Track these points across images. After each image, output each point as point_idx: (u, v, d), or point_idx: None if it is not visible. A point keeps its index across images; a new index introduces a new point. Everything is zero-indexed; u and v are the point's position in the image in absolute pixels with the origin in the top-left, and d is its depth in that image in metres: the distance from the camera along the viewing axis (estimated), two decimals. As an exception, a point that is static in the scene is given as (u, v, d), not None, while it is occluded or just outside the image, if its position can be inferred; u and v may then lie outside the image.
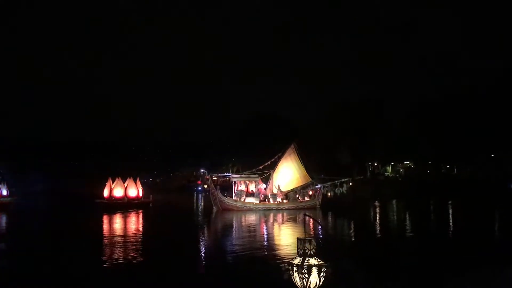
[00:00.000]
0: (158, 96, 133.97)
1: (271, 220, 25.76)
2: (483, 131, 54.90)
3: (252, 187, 33.33)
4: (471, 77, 65.74)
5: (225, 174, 43.55)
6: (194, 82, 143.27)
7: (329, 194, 33.64)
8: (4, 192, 34.95)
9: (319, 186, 32.89)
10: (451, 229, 21.11)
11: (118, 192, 33.81)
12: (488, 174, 51.08)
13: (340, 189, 34.35)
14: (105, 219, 26.15)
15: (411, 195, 42.64)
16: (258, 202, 31.04)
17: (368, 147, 62.80)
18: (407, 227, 22.39)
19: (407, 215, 28.98)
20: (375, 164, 71.79)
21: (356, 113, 65.83)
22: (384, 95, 72.70)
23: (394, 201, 39.15)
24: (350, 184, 36.23)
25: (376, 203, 36.50)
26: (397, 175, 67.85)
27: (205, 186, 51.44)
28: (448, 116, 60.44)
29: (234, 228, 23.19)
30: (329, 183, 33.93)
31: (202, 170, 74.42)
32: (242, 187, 33.19)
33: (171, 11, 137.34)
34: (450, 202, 36.66)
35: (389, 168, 72.20)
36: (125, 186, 34.20)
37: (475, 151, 56.05)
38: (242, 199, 31.04)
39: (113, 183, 34.13)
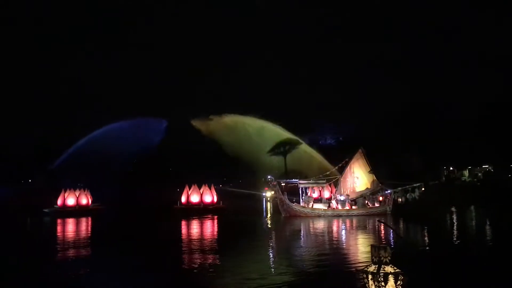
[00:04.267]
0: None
1: (341, 226, 25.85)
2: None
3: (327, 194, 33.65)
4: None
5: (292, 180, 44.11)
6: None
7: (400, 199, 32.82)
8: (90, 200, 38.81)
9: (389, 191, 32.31)
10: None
11: (194, 198, 36.26)
12: None
13: (412, 194, 33.29)
14: (184, 224, 28.12)
15: (490, 201, 40.11)
16: (326, 208, 31.24)
17: (439, 150, 60.03)
18: (484, 235, 21.35)
19: (485, 222, 27.47)
20: (451, 168, 68.25)
21: (414, 118, 63.45)
22: (450, 97, 69.10)
23: (472, 207, 37.14)
24: (423, 189, 35.03)
25: (452, 209, 34.90)
26: (475, 180, 63.86)
27: (272, 193, 52.22)
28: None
29: (303, 234, 23.54)
30: (399, 188, 33.15)
31: (269, 177, 75.38)
32: (315, 193, 33.67)
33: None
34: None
35: (466, 173, 68.31)
36: (201, 192, 36.60)
37: None
38: (310, 205, 31.43)
39: (189, 189, 36.67)
